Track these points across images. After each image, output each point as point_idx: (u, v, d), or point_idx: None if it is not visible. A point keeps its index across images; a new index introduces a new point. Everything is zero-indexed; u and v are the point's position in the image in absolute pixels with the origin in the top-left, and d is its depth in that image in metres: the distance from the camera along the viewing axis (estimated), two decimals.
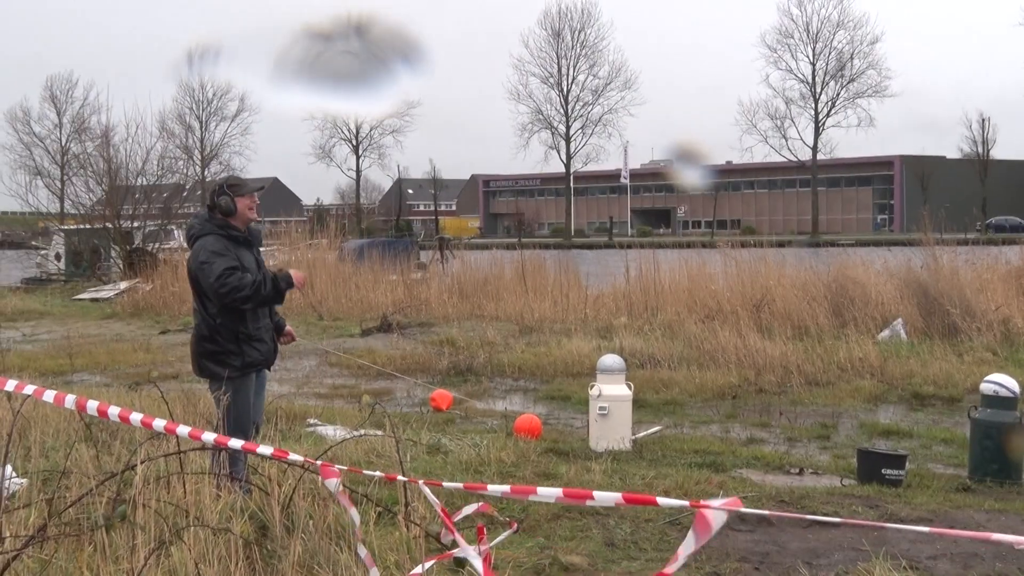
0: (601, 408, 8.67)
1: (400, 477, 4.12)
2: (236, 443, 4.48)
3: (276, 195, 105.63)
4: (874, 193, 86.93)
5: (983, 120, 80.00)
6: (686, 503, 3.27)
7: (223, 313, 6.01)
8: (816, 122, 73.87)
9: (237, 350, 6.04)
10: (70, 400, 4.75)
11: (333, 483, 3.90)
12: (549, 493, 3.49)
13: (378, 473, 4.14)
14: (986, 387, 7.79)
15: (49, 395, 4.95)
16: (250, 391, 6.19)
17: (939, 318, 14.44)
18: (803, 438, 9.37)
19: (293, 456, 4.34)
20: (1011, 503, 6.94)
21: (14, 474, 5.36)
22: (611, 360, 9.21)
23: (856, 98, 73.17)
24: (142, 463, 4.70)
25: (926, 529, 3.28)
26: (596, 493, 3.35)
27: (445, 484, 3.91)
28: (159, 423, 4.51)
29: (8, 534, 4.23)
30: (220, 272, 5.91)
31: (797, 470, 8.05)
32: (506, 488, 3.67)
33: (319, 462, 4.14)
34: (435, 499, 3.93)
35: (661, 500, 3.26)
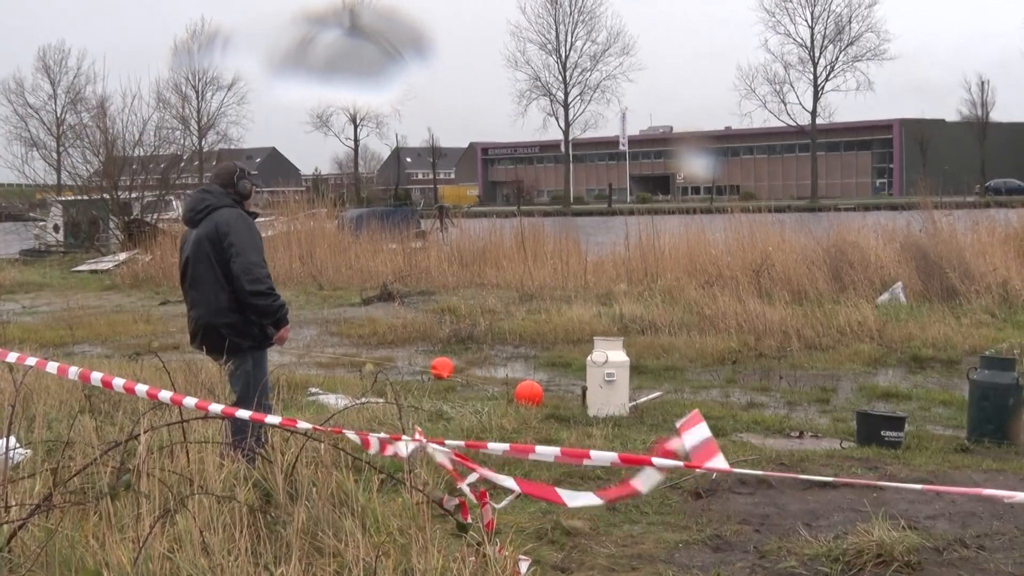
0: (608, 374, 8.69)
1: (404, 438, 4.15)
2: (244, 414, 4.52)
3: (274, 165, 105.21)
4: (873, 157, 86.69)
5: (982, 82, 79.60)
6: (680, 463, 3.30)
7: None
8: (815, 86, 73.59)
9: (259, 322, 6.05)
10: (73, 372, 4.77)
11: (410, 446, 3.95)
12: (547, 452, 3.52)
13: (382, 434, 4.17)
14: None
15: (52, 367, 4.97)
16: (267, 361, 6.27)
17: (938, 281, 14.47)
18: (803, 402, 9.41)
19: (302, 424, 4.37)
20: (1008, 463, 6.99)
21: (18, 445, 5.39)
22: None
23: (855, 61, 72.91)
24: (145, 433, 4.73)
25: (919, 487, 3.31)
26: (593, 452, 3.38)
27: (447, 442, 3.94)
28: (165, 395, 4.53)
29: (14, 503, 4.26)
30: (265, 274, 5.93)
31: (797, 433, 8.10)
32: (505, 446, 3.70)
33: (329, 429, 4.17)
34: (446, 450, 3.96)
35: (656, 460, 3.28)
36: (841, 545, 5.02)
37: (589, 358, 8.97)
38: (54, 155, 42.55)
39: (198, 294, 6.12)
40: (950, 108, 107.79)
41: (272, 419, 4.64)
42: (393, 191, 58.51)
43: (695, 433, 3.29)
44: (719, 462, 3.23)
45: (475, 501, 4.26)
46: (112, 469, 4.65)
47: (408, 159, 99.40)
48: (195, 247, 6.08)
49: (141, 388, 4.57)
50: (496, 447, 3.64)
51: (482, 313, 14.44)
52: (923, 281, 14.71)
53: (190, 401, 4.55)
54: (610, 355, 8.84)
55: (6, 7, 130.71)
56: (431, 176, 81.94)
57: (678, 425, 3.33)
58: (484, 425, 7.73)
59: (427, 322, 14.13)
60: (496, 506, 4.47)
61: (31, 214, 36.52)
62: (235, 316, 5.98)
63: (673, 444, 3.30)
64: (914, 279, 14.82)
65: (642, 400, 9.10)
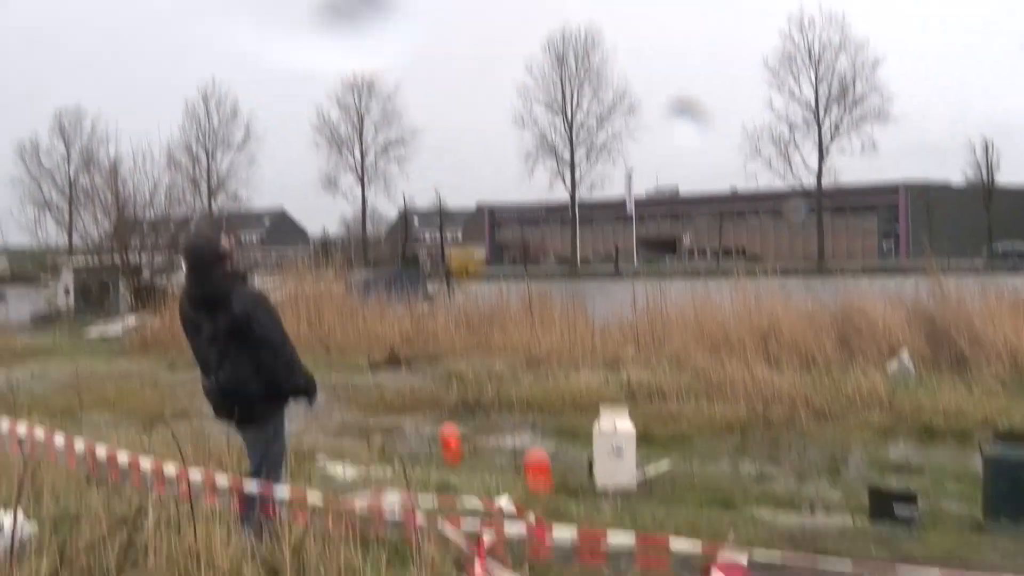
0: (616, 448, 8.63)
1: (418, 518, 4.13)
2: (252, 486, 4.52)
3: (282, 226, 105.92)
4: (879, 220, 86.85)
5: (987, 144, 79.92)
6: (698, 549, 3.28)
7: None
8: (820, 147, 73.86)
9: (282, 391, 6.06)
10: (80, 447, 4.78)
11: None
12: (564, 536, 3.49)
13: (395, 512, 4.15)
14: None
15: (59, 440, 4.98)
16: (286, 430, 6.30)
17: (947, 348, 14.42)
18: (813, 473, 9.32)
19: (311, 495, 4.35)
20: None
21: (25, 520, 5.36)
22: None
23: (860, 122, 73.07)
24: (153, 508, 4.71)
25: (939, 572, 3.28)
26: (610, 531, 3.36)
27: (462, 528, 3.91)
28: (170, 470, 4.53)
29: None
30: (293, 358, 5.98)
31: (808, 508, 8.01)
32: (522, 530, 3.66)
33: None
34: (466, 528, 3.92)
35: (673, 542, 3.27)
36: None
37: (595, 428, 8.92)
38: (66, 217, 43.00)
39: (223, 372, 5.88)
40: (954, 168, 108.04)
41: (282, 490, 4.61)
42: (401, 252, 58.60)
43: None
44: None
45: None
46: (120, 545, 4.63)
47: (415, 219, 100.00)
48: (213, 335, 5.86)
49: (146, 464, 4.58)
50: (513, 530, 3.61)
51: (489, 379, 14.41)
52: (932, 348, 14.66)
53: (196, 476, 4.55)
54: (617, 424, 8.79)
55: (22, 70, 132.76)
56: (437, 237, 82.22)
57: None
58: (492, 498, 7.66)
59: (434, 388, 14.10)
60: None
61: (42, 274, 36.74)
62: (269, 388, 5.90)
63: None
64: (922, 346, 14.77)
65: (650, 470, 9.02)
